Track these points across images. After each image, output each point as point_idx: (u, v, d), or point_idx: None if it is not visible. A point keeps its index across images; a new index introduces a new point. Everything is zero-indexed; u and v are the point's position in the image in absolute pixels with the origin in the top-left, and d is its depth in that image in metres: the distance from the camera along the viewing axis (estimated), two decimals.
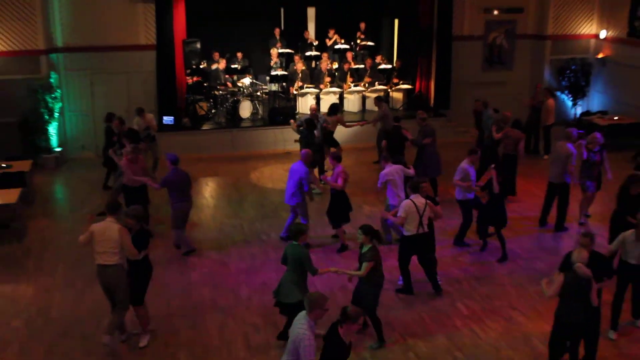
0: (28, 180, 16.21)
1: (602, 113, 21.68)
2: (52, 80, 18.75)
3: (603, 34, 22.27)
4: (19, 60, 18.44)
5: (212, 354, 10.27)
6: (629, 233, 10.21)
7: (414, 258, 11.87)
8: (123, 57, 19.67)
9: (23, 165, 16.29)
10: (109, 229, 9.58)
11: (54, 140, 19.02)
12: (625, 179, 12.24)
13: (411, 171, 13.74)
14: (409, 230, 11.53)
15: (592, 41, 22.67)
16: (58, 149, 19.23)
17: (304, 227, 10.60)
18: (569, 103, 22.41)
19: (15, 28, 18.32)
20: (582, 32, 22.59)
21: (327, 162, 16.26)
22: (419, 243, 11.75)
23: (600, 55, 22.32)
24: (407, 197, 13.21)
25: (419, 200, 11.54)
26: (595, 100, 22.60)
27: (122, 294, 9.80)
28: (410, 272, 11.87)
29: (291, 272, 10.15)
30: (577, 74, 22.24)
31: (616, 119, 20.77)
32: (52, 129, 18.88)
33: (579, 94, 22.42)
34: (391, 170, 13.33)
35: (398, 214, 11.57)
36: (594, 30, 22.56)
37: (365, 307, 9.81)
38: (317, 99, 21.28)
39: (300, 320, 7.70)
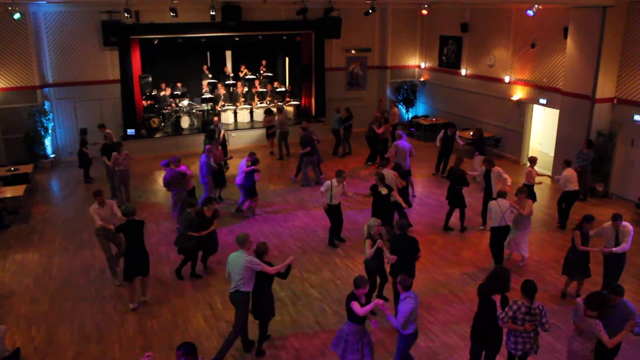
0: (31, 178, 15.64)
1: (425, 116, 22.34)
2: (46, 107, 17.97)
3: (423, 65, 22.87)
4: (21, 93, 17.54)
5: (170, 292, 10.28)
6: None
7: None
8: (96, 89, 18.92)
9: (27, 168, 15.67)
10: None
11: (49, 149, 18.25)
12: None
13: (247, 168, 13.12)
14: (326, 202, 11.70)
15: (417, 70, 23.19)
16: (52, 155, 18.46)
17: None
18: (404, 110, 22.98)
19: (17, 70, 17.42)
20: (410, 64, 23.09)
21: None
22: (334, 211, 11.84)
23: (422, 79, 22.90)
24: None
25: (334, 182, 11.57)
26: (420, 108, 23.16)
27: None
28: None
29: None
30: (408, 91, 22.69)
31: (434, 120, 21.45)
32: (47, 141, 18.12)
33: (409, 104, 22.90)
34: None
35: (320, 189, 11.80)
36: (417, 62, 23.09)
37: None
38: (235, 113, 21.10)
39: (240, 254, 7.73)
